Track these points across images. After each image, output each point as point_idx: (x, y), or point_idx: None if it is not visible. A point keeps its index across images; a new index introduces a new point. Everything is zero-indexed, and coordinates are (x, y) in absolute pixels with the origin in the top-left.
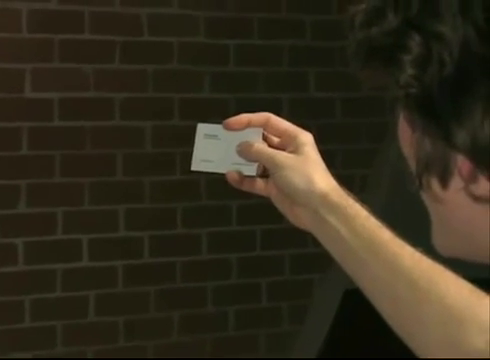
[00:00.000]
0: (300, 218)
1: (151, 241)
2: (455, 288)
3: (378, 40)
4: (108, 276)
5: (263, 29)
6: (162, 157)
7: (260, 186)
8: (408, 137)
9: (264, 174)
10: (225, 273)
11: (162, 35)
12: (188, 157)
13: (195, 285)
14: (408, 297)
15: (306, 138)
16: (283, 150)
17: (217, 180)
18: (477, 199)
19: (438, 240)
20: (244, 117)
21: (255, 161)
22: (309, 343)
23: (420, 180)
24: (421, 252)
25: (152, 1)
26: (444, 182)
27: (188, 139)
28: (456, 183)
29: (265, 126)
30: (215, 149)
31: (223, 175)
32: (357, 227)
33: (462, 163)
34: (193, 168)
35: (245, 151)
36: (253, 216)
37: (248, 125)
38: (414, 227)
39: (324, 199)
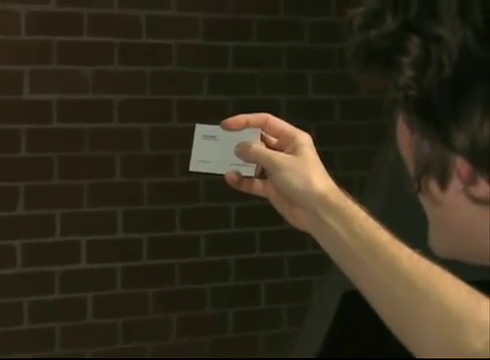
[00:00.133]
0: (299, 219)
1: (150, 243)
2: (454, 290)
3: (377, 43)
4: (106, 278)
5: (262, 31)
6: (160, 159)
7: (258, 187)
8: (407, 139)
9: (262, 175)
10: (224, 275)
11: (160, 37)
12: (186, 159)
13: (194, 287)
14: (406, 299)
15: (304, 139)
16: (281, 151)
17: (216, 182)
18: (476, 201)
19: (434, 241)
20: (242, 117)
21: (253, 162)
22: (308, 345)
23: (419, 182)
24: (420, 254)
25: (150, 3)
26: (443, 184)
27: (186, 141)
28: (455, 185)
29: (263, 127)
30: (213, 150)
31: (221, 176)
32: (355, 228)
33: (461, 165)
34: (191, 169)
35: (243, 152)
36: (252, 218)
37: (246, 125)
38: (413, 228)
39: (322, 200)
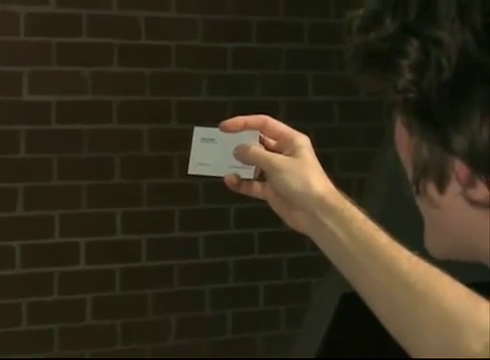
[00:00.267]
0: (297, 221)
1: (148, 244)
2: (452, 292)
3: (376, 45)
4: (105, 279)
5: (261, 32)
6: (159, 160)
7: (257, 189)
8: (405, 142)
9: (261, 177)
10: (223, 276)
11: (160, 38)
12: (185, 160)
13: (192, 288)
14: (405, 301)
15: (303, 141)
16: (280, 153)
17: (215, 183)
18: (475, 204)
19: (430, 243)
20: (241, 119)
21: (252, 164)
22: (306, 346)
23: (417, 185)
24: (418, 256)
25: (150, 4)
26: (441, 187)
27: (186, 142)
28: (453, 188)
29: (262, 129)
30: (212, 152)
31: (220, 178)
32: (354, 230)
33: (459, 168)
34: (190, 172)
35: (242, 154)
36: (251, 219)
37: (245, 127)
38: (411, 230)
39: (321, 202)
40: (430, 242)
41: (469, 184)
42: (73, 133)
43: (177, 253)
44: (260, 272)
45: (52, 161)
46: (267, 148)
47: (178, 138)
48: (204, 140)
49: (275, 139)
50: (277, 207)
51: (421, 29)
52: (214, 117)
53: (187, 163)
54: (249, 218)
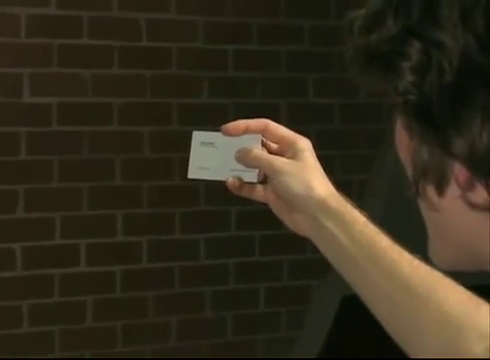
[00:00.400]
0: (298, 224)
1: (149, 246)
2: (453, 295)
3: (377, 46)
4: (106, 281)
5: (262, 34)
6: (160, 162)
7: (259, 192)
8: (405, 144)
9: (263, 180)
10: (223, 278)
11: (161, 40)
12: (186, 162)
13: (193, 290)
14: (406, 304)
15: (304, 144)
16: (282, 156)
17: (216, 186)
18: (474, 207)
19: (435, 254)
20: (242, 123)
21: (254, 167)
22: (307, 348)
23: (416, 187)
24: (419, 259)
25: (150, 6)
26: (441, 189)
27: (186, 144)
28: (453, 191)
29: (263, 132)
30: (212, 156)
31: (221, 182)
32: (355, 233)
33: (459, 171)
34: (190, 176)
35: (244, 157)
36: (252, 222)
37: (246, 131)
38: (413, 233)
39: (322, 205)
40: (434, 252)
41: (468, 187)
42: (74, 135)
43: (178, 255)
44: (261, 274)
45: (53, 163)
46: (269, 151)
47: (179, 140)
48: (203, 144)
49: (277, 143)
50: (278, 210)
51: (423, 31)
52: (215, 119)
53: (188, 166)
54: (250, 220)
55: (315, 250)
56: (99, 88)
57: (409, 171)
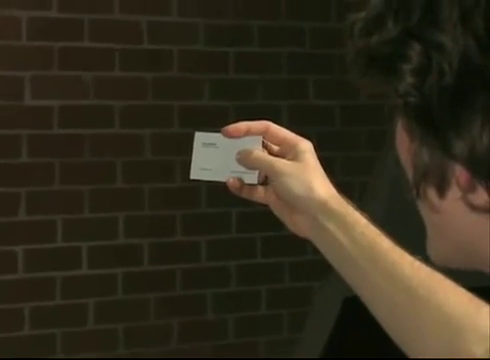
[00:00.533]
0: (299, 225)
1: (151, 248)
2: (454, 297)
3: (377, 49)
4: (108, 284)
5: (263, 37)
6: (162, 164)
7: (259, 194)
8: (406, 146)
9: (264, 182)
10: (225, 280)
11: (162, 43)
12: (188, 165)
13: (195, 292)
14: (407, 305)
15: (306, 146)
16: (283, 158)
17: (217, 187)
18: (475, 209)
19: (433, 251)
20: (243, 125)
21: (254, 168)
22: (309, 350)
23: (417, 189)
24: (420, 260)
25: (152, 9)
26: (441, 191)
27: (188, 147)
28: (454, 193)
29: (264, 134)
30: (214, 157)
31: (223, 183)
32: (356, 235)
33: (460, 173)
34: (192, 176)
35: (244, 159)
36: (253, 223)
37: (247, 133)
38: (413, 235)
39: (323, 206)
40: (432, 249)
41: (469, 189)
42: (75, 138)
43: (179, 257)
44: (262, 276)
45: (54, 166)
46: (270, 153)
47: (180, 142)
48: (205, 145)
49: (278, 144)
50: (279, 211)
51: (423, 33)
52: (216, 121)
53: (189, 167)
54: (251, 222)
55: (316, 252)
56: (100, 91)
57: (410, 173)
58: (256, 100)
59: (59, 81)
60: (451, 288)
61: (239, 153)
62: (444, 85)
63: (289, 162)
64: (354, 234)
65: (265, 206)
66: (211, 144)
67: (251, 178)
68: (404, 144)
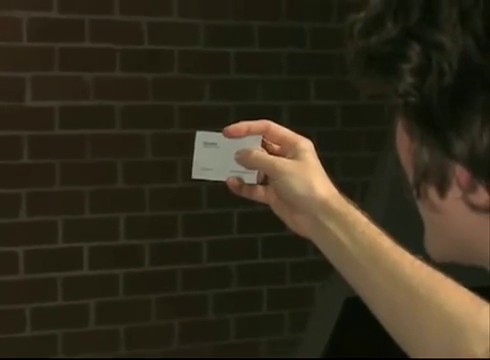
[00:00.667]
0: (300, 225)
1: (152, 249)
2: (455, 296)
3: (377, 49)
4: (109, 284)
5: (263, 37)
6: (162, 165)
7: (259, 193)
8: (406, 146)
9: (264, 182)
10: (226, 281)
11: (162, 43)
12: (188, 165)
13: (196, 293)
14: (408, 305)
15: (306, 144)
16: (283, 157)
17: (218, 188)
18: (475, 208)
19: (431, 246)
20: (244, 125)
21: (254, 168)
22: (310, 350)
23: (418, 189)
24: (421, 260)
25: (152, 9)
26: (442, 191)
27: (188, 147)
28: (454, 192)
29: (265, 133)
30: (215, 157)
31: (224, 183)
32: (357, 234)
33: (460, 173)
34: (194, 176)
35: (244, 159)
36: (254, 224)
37: (248, 133)
38: (414, 235)
39: (324, 205)
40: (430, 245)
41: (470, 189)
42: (76, 138)
43: (180, 258)
44: (263, 276)
45: (55, 166)
46: (270, 153)
47: (181, 143)
48: (206, 144)
49: (278, 144)
50: (279, 211)
51: (423, 33)
52: (217, 122)
53: (190, 168)
54: (252, 223)
55: (318, 252)
56: (101, 91)
57: (410, 173)
58: (257, 100)
59: (60, 82)
60: (452, 288)
61: (238, 153)
62: (444, 85)
63: (289, 161)
64: (355, 233)
65: (266, 206)
66: (212, 143)
67: (250, 178)
68: (404, 144)
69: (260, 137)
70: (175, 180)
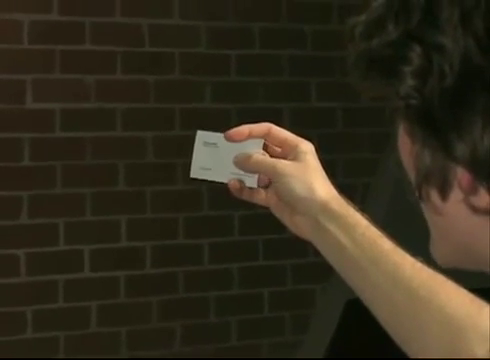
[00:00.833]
0: (300, 227)
1: (153, 251)
2: (455, 298)
3: (378, 51)
4: (110, 287)
5: (264, 39)
6: (164, 167)
7: (260, 196)
8: (408, 148)
9: (264, 185)
10: (227, 283)
11: (163, 45)
12: (189, 167)
13: (197, 295)
14: (408, 306)
15: (306, 147)
16: (284, 159)
17: (219, 190)
18: (477, 211)
19: (437, 251)
20: (245, 128)
21: (254, 172)
22: (312, 352)
23: (419, 191)
24: (422, 262)
25: (153, 12)
26: (444, 194)
27: (189, 149)
28: (456, 195)
29: (266, 136)
30: (214, 157)
31: (222, 184)
32: (357, 236)
33: (462, 175)
34: (192, 175)
35: (243, 163)
36: (255, 226)
37: (249, 136)
38: (415, 236)
39: (325, 207)
40: (436, 250)
41: (471, 191)
42: (77, 141)
43: (181, 260)
44: (264, 279)
45: (56, 169)
46: (271, 155)
47: (182, 145)
48: (207, 144)
49: (279, 146)
50: (279, 213)
51: (424, 35)
52: (218, 124)
53: (190, 168)
54: (253, 225)
55: (318, 254)
56: (102, 94)
57: (412, 175)
58: (258, 102)
59: (61, 84)
60: (452, 289)
61: (236, 157)
62: (445, 87)
63: (289, 162)
64: (355, 235)
65: (267, 209)
66: (212, 144)
67: (250, 182)
68: (406, 146)
69: (262, 141)
70: (176, 182)
